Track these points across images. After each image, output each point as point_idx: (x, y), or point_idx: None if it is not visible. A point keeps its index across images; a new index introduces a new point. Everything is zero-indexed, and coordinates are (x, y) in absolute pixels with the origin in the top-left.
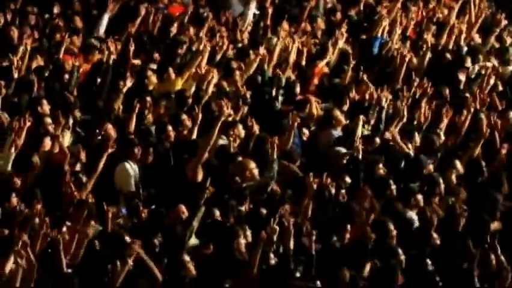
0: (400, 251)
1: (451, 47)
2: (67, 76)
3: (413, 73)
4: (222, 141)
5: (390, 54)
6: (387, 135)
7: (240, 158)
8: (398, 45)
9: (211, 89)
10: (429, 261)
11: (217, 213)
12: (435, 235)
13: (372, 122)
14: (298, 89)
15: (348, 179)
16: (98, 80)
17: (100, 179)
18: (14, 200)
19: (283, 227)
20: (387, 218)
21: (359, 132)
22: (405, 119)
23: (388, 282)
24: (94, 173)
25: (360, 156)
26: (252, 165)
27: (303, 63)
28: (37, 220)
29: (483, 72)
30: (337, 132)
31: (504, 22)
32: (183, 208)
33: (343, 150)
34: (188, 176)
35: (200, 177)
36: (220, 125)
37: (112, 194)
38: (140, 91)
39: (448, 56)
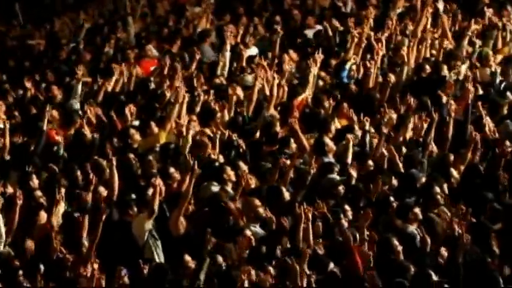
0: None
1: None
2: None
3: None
4: (215, 187)
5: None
6: (384, 151)
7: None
8: (373, 67)
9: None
10: (433, 274)
11: (220, 259)
12: (443, 250)
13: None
14: (278, 127)
15: (347, 207)
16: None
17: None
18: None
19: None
20: (390, 234)
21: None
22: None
23: None
24: (95, 237)
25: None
26: (258, 203)
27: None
28: None
29: (460, 78)
30: (328, 159)
31: (474, 25)
32: (189, 259)
33: (336, 177)
34: (171, 229)
35: (182, 230)
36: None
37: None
38: (126, 151)
39: (427, 67)
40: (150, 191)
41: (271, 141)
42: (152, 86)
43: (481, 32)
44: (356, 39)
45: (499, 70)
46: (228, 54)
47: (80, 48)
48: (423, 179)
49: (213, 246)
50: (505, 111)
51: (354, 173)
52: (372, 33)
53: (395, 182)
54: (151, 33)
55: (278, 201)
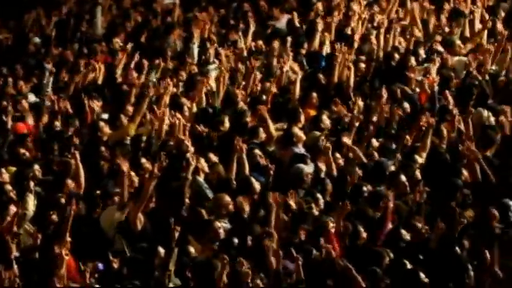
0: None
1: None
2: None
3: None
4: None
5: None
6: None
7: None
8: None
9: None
10: (406, 262)
11: (192, 249)
12: (403, 231)
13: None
14: (248, 118)
15: (319, 195)
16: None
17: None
18: None
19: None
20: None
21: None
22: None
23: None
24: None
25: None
26: (228, 200)
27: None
28: None
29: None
30: (299, 149)
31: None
32: (162, 251)
33: (304, 167)
34: (130, 223)
35: (140, 226)
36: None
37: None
38: (95, 143)
39: (396, 55)
40: (119, 181)
41: (240, 131)
42: (120, 79)
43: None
44: (320, 29)
45: (466, 59)
46: (195, 46)
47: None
48: (393, 168)
49: (182, 238)
50: (474, 100)
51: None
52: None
53: (359, 172)
54: (118, 26)
55: (248, 192)
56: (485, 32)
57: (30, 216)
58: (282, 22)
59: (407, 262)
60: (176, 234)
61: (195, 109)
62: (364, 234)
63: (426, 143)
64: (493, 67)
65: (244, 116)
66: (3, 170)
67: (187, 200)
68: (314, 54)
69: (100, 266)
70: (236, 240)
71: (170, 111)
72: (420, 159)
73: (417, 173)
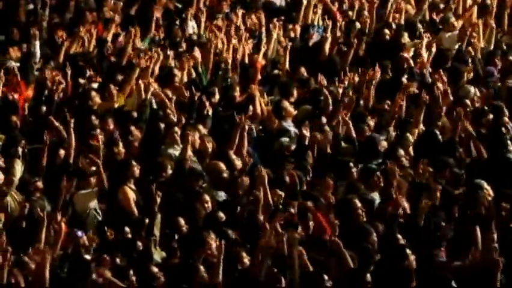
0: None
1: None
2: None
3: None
4: (175, 150)
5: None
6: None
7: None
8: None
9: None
10: (399, 236)
11: (182, 222)
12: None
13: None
14: (237, 92)
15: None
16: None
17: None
18: None
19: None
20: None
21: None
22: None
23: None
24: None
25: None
26: (223, 167)
27: (245, 60)
28: None
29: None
30: (287, 124)
31: None
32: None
33: (285, 139)
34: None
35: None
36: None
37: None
38: (86, 112)
39: (387, 32)
40: (92, 170)
41: (229, 105)
42: (111, 49)
43: None
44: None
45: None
46: (190, 19)
47: (39, 10)
48: (385, 143)
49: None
50: (465, 78)
51: (307, 133)
52: None
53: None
54: None
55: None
56: (475, 7)
57: (17, 183)
58: None
59: (400, 237)
60: (158, 200)
61: (185, 79)
62: (360, 211)
63: (419, 120)
64: (482, 44)
65: (233, 90)
66: None
67: (169, 172)
68: (307, 27)
69: (79, 233)
70: (222, 215)
71: (157, 82)
72: (411, 137)
73: (410, 149)
